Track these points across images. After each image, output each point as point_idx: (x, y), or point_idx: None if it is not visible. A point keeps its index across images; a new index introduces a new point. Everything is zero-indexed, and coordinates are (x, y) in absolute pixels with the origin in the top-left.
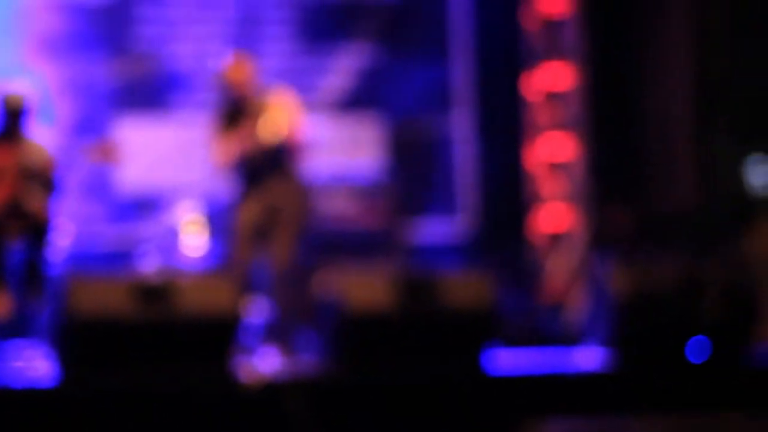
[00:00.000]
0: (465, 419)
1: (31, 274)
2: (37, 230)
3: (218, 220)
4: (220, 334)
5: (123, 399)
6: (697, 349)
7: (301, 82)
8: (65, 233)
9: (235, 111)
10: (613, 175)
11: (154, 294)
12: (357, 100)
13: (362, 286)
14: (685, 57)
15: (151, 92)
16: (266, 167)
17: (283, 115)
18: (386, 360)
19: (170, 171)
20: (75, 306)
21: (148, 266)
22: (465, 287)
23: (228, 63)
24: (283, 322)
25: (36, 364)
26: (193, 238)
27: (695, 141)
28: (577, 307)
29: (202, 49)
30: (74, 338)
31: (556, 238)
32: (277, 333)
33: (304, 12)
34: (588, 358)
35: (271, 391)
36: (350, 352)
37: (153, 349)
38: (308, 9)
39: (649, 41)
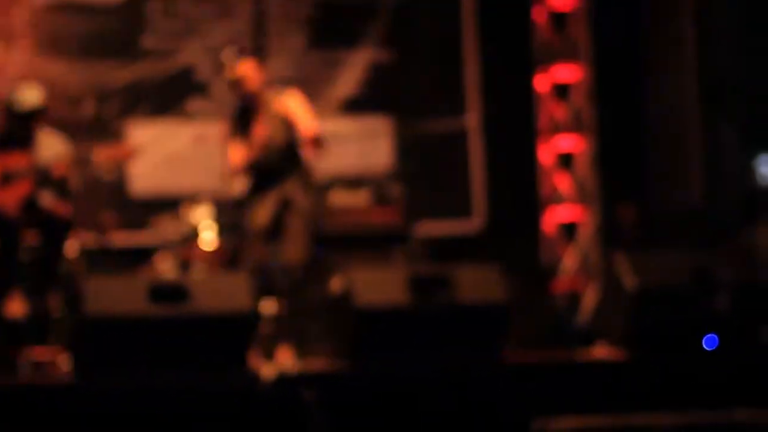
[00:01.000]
0: (478, 414)
1: (47, 274)
2: (53, 231)
3: (232, 219)
4: (236, 332)
5: (138, 397)
6: (709, 344)
7: (312, 83)
8: (81, 234)
9: (248, 111)
10: (622, 172)
11: (170, 293)
12: (368, 100)
13: (374, 282)
14: (691, 52)
15: (163, 93)
16: (279, 165)
17: (295, 113)
18: (398, 355)
19: (184, 171)
20: (91, 305)
21: (164, 265)
22: (477, 282)
23: (238, 63)
24: (296, 318)
25: (53, 364)
26: (208, 237)
27: (702, 136)
28: (590, 303)
29: (214, 50)
30: (91, 337)
31: (567, 235)
32: (291, 329)
33: (315, 14)
34: (601, 353)
35: (286, 387)
36: (363, 348)
37: (169, 348)
38: (319, 11)
39: (657, 37)
